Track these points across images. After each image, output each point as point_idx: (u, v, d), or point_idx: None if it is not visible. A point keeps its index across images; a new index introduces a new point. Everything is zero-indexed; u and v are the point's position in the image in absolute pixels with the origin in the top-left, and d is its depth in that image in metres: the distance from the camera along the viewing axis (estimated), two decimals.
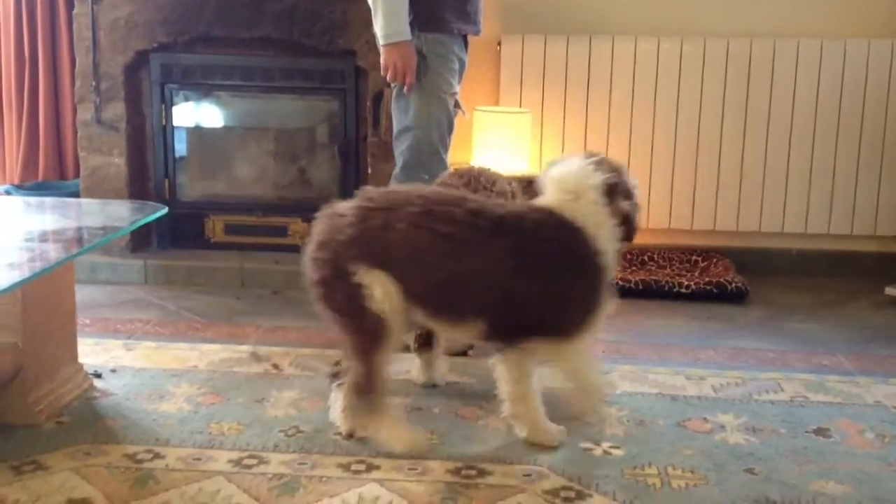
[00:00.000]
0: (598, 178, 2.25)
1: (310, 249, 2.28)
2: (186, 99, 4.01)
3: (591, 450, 2.33)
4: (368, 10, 2.97)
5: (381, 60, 2.91)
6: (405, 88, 2.94)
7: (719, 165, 4.03)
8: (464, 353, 3.00)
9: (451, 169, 2.81)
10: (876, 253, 4.12)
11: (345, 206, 2.28)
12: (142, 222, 2.72)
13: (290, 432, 2.39)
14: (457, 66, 2.99)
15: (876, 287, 3.81)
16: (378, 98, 3.74)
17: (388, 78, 2.94)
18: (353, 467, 2.21)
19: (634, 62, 4.00)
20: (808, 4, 4.04)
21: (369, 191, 2.32)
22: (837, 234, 4.06)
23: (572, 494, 2.11)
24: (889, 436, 2.45)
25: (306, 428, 2.42)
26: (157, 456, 2.25)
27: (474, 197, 2.36)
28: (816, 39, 3.96)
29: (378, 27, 2.87)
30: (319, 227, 2.29)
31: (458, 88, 3.00)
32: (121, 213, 2.94)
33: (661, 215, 4.03)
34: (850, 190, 4.03)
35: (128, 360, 2.89)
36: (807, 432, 2.44)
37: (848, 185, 4.03)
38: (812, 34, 3.99)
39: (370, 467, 2.21)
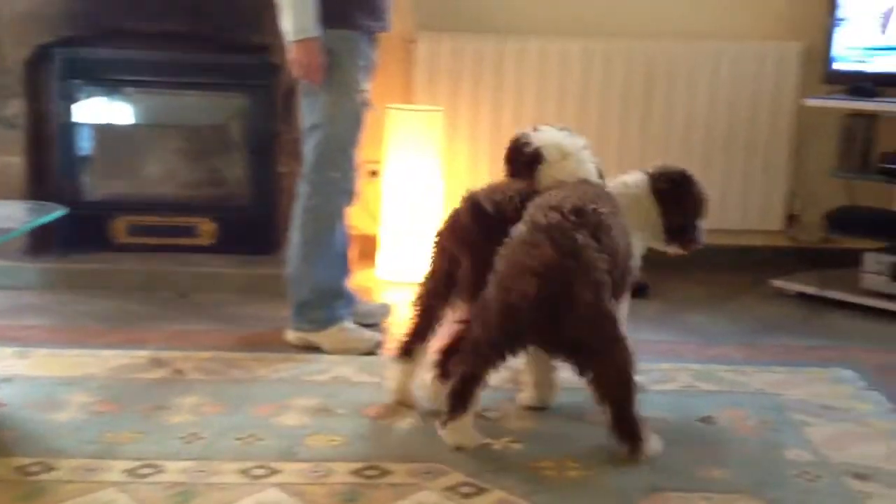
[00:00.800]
0: None
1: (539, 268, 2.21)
2: (91, 95, 3.90)
3: (491, 445, 2.36)
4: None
5: (289, 57, 2.90)
6: (311, 82, 2.93)
7: (620, 162, 4.09)
8: (371, 353, 3.01)
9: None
10: (764, 247, 4.26)
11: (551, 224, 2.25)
12: (36, 223, 2.64)
13: (189, 439, 2.35)
14: (366, 63, 2.98)
15: (764, 279, 3.94)
16: (291, 94, 3.70)
17: (295, 75, 2.92)
18: (254, 472, 2.19)
19: (545, 61, 4.06)
20: (705, 8, 4.15)
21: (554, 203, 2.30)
22: (731, 230, 4.17)
23: (472, 490, 2.13)
24: (770, 421, 2.54)
25: (206, 434, 2.38)
26: (49, 468, 2.18)
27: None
28: (712, 41, 4.08)
29: (286, 24, 2.86)
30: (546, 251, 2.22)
31: (366, 86, 2.99)
32: (15, 214, 2.84)
33: None
34: (741, 186, 4.16)
35: (21, 368, 2.79)
36: (695, 420, 2.52)
37: (739, 182, 4.15)
38: (715, 36, 4.11)
39: (271, 472, 2.19)
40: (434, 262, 2.57)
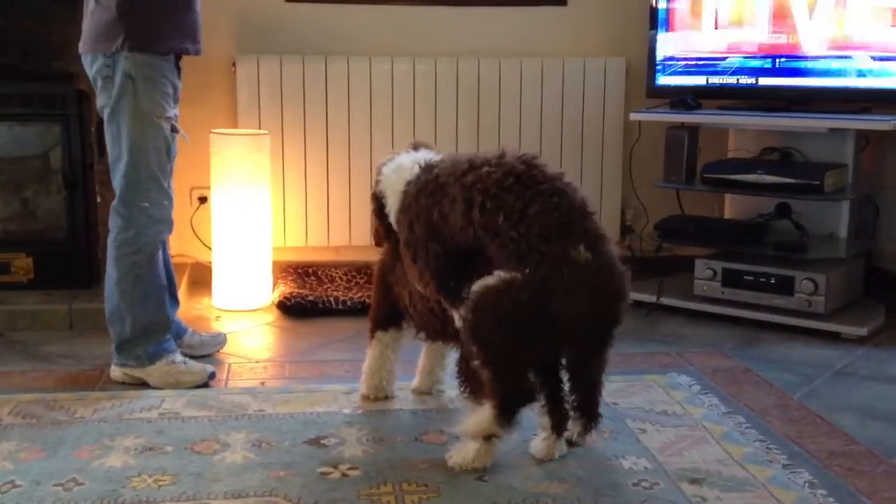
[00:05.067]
0: None
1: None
2: None
3: (329, 474, 2.28)
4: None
5: None
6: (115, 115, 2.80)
7: None
8: (205, 385, 2.89)
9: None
10: None
11: None
12: None
13: (5, 488, 2.18)
14: (169, 89, 2.84)
15: None
16: (102, 123, 3.54)
17: None
18: None
19: (371, 81, 4.02)
20: (529, 28, 4.21)
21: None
22: None
23: None
24: (608, 431, 2.53)
25: (23, 481, 2.22)
26: None
27: None
28: (537, 59, 4.13)
29: None
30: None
31: (172, 112, 2.87)
32: None
33: None
34: None
35: None
36: (533, 435, 2.45)
37: None
38: (534, 54, 4.16)
39: None
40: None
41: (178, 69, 2.93)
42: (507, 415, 2.22)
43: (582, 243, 2.16)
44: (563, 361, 2.34)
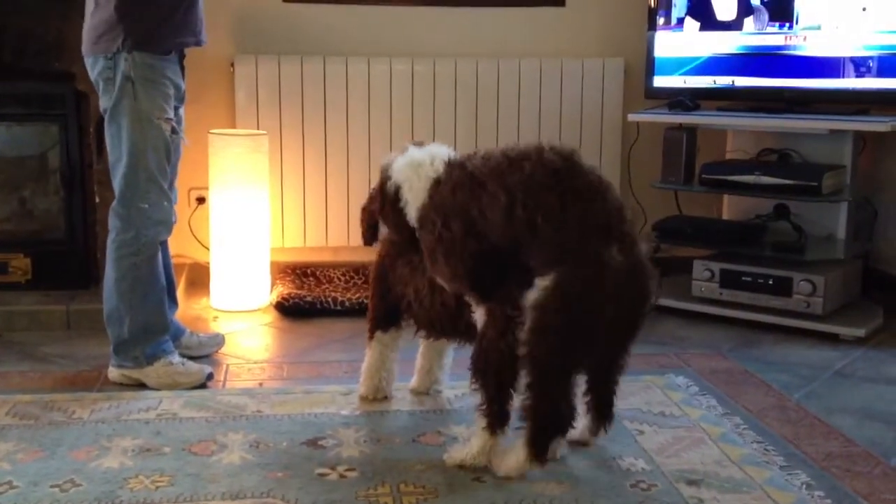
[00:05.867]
0: None
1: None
2: None
3: (326, 475, 2.28)
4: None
5: None
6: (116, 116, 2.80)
7: None
8: (203, 386, 2.89)
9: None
10: None
11: None
12: None
13: (2, 489, 2.18)
14: (170, 90, 2.84)
15: None
16: (101, 123, 3.54)
17: None
18: None
19: (370, 82, 4.02)
20: (528, 28, 4.21)
21: None
22: None
23: None
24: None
25: (21, 482, 2.22)
26: None
27: None
28: (536, 59, 4.13)
29: None
30: None
31: (173, 114, 2.86)
32: None
33: None
34: None
35: None
36: None
37: None
38: (532, 54, 4.16)
39: None
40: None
41: (182, 68, 2.93)
42: (542, 449, 2.23)
43: (616, 245, 2.15)
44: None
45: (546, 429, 2.22)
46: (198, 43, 2.91)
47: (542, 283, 2.14)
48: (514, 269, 2.24)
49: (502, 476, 2.25)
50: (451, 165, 2.42)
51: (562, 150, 2.26)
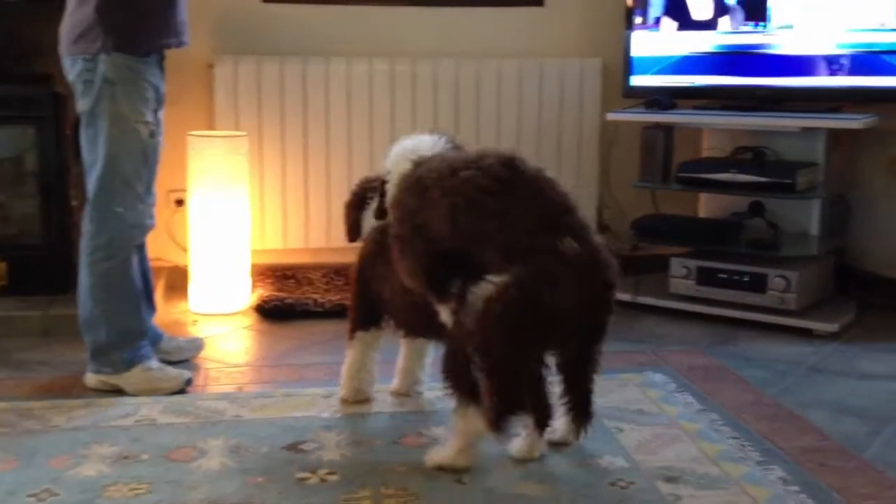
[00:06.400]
0: None
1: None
2: None
3: (307, 479, 2.29)
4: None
5: None
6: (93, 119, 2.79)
7: None
8: (182, 391, 2.88)
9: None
10: None
11: None
12: None
13: None
14: (150, 93, 2.82)
15: None
16: (78, 126, 3.53)
17: None
18: None
19: (350, 82, 4.02)
20: (506, 28, 4.23)
21: None
22: None
23: None
24: None
25: None
26: None
27: None
28: (515, 59, 4.15)
29: None
30: None
31: (152, 117, 2.85)
32: None
33: None
34: None
35: None
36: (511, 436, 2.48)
37: None
38: (511, 55, 4.17)
39: None
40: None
41: (162, 70, 2.91)
42: (500, 423, 2.23)
43: (569, 235, 2.17)
44: (555, 362, 2.34)
45: (501, 403, 2.20)
46: (180, 44, 2.89)
47: (496, 279, 2.16)
48: (470, 270, 2.25)
49: (457, 437, 2.28)
50: (413, 165, 2.45)
51: (501, 155, 2.29)
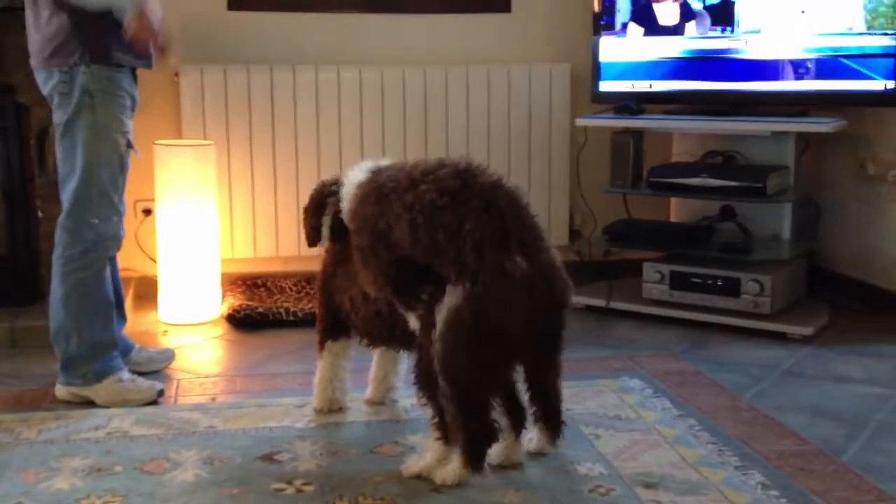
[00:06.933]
0: None
1: None
2: None
3: (283, 490, 2.26)
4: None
5: (140, 30, 2.71)
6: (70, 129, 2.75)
7: None
8: (154, 402, 2.84)
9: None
10: None
11: None
12: None
13: None
14: (128, 102, 2.81)
15: None
16: (43, 136, 3.49)
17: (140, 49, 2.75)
18: None
19: (318, 90, 4.00)
20: (474, 35, 4.23)
21: None
22: None
23: None
24: (563, 437, 2.49)
25: None
26: None
27: None
28: (483, 66, 4.14)
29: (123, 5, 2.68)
30: None
31: (130, 127, 2.83)
32: None
33: None
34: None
35: None
36: None
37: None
38: (479, 61, 4.17)
39: None
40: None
41: (135, 79, 2.89)
42: (476, 457, 2.22)
43: (518, 253, 2.16)
44: (521, 369, 2.34)
45: (475, 440, 2.22)
46: (148, 66, 2.89)
47: (449, 301, 2.16)
48: (435, 277, 2.25)
49: (440, 483, 2.25)
50: (370, 173, 2.44)
51: (457, 167, 2.27)
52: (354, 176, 2.49)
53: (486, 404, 2.22)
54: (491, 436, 2.24)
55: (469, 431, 2.20)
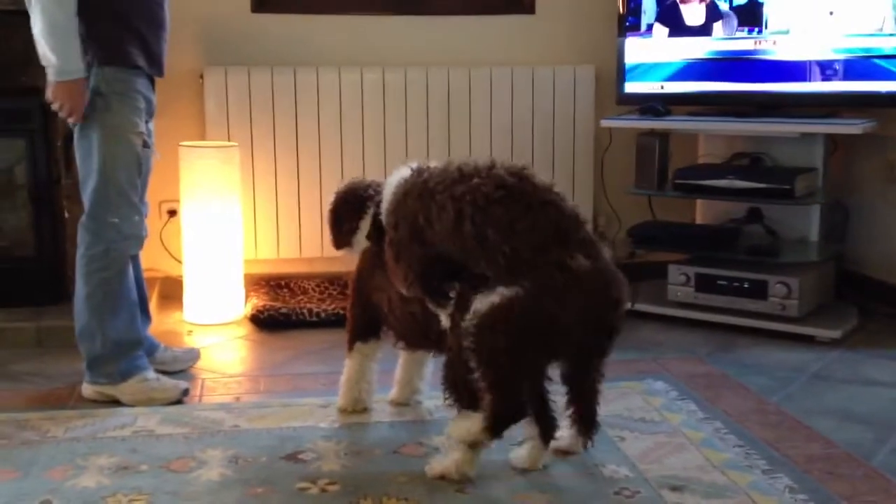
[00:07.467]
0: None
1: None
2: None
3: (307, 489, 2.25)
4: None
5: (49, 94, 2.72)
6: (71, 122, 2.77)
7: None
8: (179, 401, 2.84)
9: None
10: None
11: None
12: None
13: None
14: (142, 104, 2.81)
15: None
16: (69, 138, 3.49)
17: (57, 111, 2.75)
18: None
19: (341, 91, 4.00)
20: (498, 37, 4.21)
21: None
22: None
23: None
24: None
25: None
26: None
27: None
28: (507, 67, 4.13)
29: (48, 62, 2.68)
30: None
31: (145, 128, 2.84)
32: None
33: None
34: None
35: None
36: (511, 445, 2.41)
37: None
38: (503, 63, 4.15)
39: None
40: None
41: (152, 81, 2.90)
42: (498, 428, 2.21)
43: (578, 252, 2.15)
44: (560, 372, 2.32)
45: (504, 410, 2.19)
46: (159, 75, 2.88)
47: (504, 290, 2.14)
48: (466, 276, 2.24)
49: (451, 438, 2.26)
50: (412, 172, 2.43)
51: (512, 167, 2.27)
52: (398, 174, 2.47)
53: (520, 389, 2.20)
54: (519, 411, 2.22)
55: (498, 402, 2.17)
